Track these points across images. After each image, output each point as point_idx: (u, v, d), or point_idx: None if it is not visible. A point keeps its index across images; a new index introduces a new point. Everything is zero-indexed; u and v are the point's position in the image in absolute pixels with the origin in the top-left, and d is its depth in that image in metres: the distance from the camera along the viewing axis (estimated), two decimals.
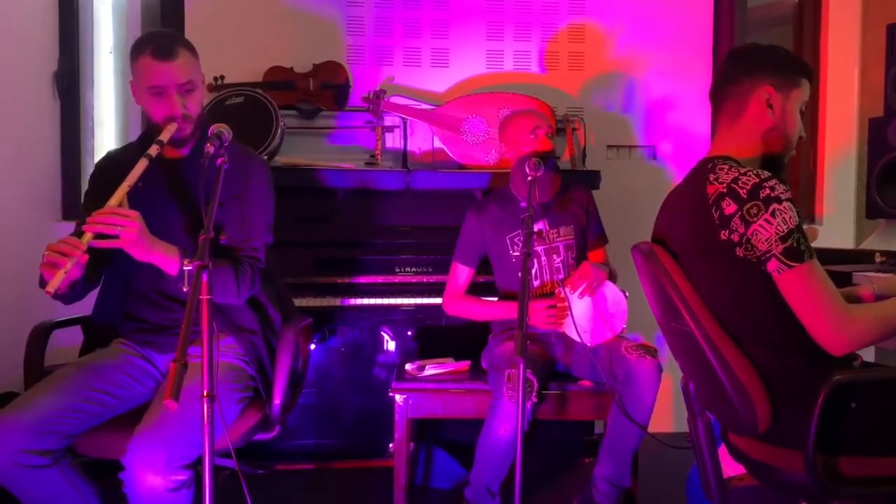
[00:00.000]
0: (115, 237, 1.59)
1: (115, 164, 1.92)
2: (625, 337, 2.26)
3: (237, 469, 1.52)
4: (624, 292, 2.29)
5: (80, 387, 1.72)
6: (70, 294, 1.73)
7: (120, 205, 1.62)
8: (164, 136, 1.76)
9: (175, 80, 1.78)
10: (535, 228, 2.17)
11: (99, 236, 1.58)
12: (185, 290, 1.41)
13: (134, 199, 1.66)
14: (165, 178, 1.87)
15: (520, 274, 1.83)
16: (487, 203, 2.46)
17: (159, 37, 1.84)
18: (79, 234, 1.59)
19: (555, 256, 2.37)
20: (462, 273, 2.43)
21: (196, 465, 1.63)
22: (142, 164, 1.67)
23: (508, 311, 2.33)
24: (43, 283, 1.62)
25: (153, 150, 1.70)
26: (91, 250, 1.57)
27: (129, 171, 1.67)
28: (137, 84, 1.82)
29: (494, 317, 2.40)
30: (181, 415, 1.54)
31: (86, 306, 1.91)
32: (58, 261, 1.53)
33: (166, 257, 1.68)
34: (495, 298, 2.46)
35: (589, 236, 2.45)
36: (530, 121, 2.37)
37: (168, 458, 1.54)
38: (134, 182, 1.65)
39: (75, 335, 2.07)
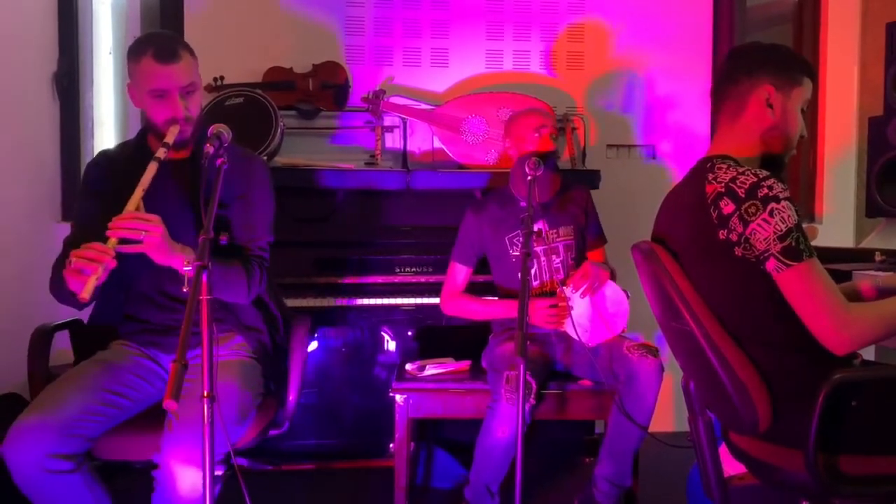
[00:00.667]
0: (139, 242, 1.59)
1: (112, 163, 1.92)
2: (626, 336, 2.26)
3: (245, 466, 1.52)
4: (626, 292, 2.29)
5: (97, 388, 1.71)
6: (90, 299, 1.72)
7: (138, 209, 1.61)
8: (170, 138, 1.74)
9: (178, 83, 1.77)
10: (535, 228, 2.16)
11: (122, 241, 1.57)
12: (184, 290, 1.41)
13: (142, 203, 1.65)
14: (170, 181, 1.86)
15: (519, 274, 1.83)
16: (487, 202, 2.45)
17: (159, 38, 1.82)
18: (104, 238, 1.56)
19: (554, 257, 2.37)
20: (460, 272, 2.43)
21: (225, 460, 1.64)
22: (153, 168, 1.65)
23: (507, 309, 2.33)
24: (56, 287, 1.61)
25: (161, 154, 1.68)
26: None
27: (126, 171, 1.66)
28: (137, 86, 1.80)
29: (493, 315, 2.39)
30: (214, 410, 1.53)
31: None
32: (86, 267, 1.51)
33: (186, 260, 1.68)
34: (494, 297, 2.46)
35: (588, 236, 2.44)
36: (536, 119, 2.37)
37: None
38: (147, 186, 1.63)
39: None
